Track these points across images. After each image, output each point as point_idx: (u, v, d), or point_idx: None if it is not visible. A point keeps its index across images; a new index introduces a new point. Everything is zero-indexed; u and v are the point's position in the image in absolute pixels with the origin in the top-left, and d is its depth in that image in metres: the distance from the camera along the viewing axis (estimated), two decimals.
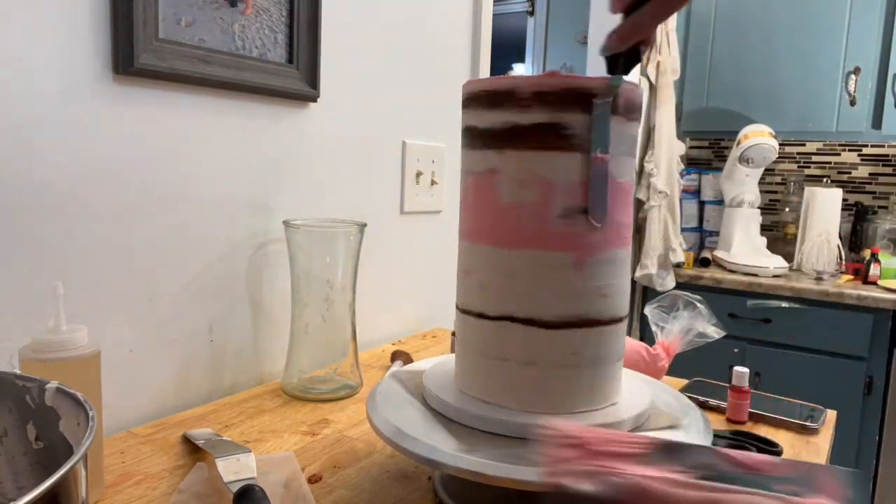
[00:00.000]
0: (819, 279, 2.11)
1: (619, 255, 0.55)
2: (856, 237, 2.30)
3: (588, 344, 0.54)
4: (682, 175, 2.39)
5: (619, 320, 0.57)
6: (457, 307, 0.60)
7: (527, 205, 0.53)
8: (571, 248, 0.53)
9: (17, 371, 0.50)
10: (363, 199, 1.07)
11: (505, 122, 0.53)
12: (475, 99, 0.56)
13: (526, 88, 0.52)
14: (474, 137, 0.56)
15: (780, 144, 2.38)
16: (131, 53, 0.70)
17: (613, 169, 0.53)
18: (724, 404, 0.83)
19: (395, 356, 0.99)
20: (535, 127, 0.52)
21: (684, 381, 0.94)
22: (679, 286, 2.25)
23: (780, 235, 2.44)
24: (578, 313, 0.54)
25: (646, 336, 2.34)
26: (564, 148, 0.52)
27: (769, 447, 0.73)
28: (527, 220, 0.53)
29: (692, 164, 2.63)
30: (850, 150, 2.41)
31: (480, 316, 0.56)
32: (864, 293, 1.92)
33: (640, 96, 0.56)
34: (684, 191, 2.45)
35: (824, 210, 2.17)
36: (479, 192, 0.56)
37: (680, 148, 2.32)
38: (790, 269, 2.22)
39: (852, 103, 2.11)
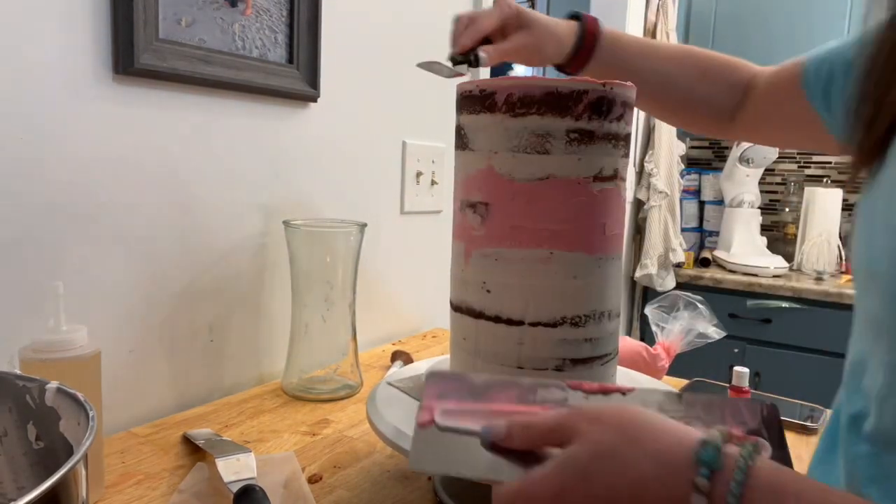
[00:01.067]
0: (819, 279, 2.11)
1: (510, 254, 0.54)
2: None
3: (470, 333, 0.57)
4: (682, 175, 2.39)
5: (506, 321, 0.55)
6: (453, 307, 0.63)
7: (456, 198, 0.60)
8: (462, 238, 0.58)
9: (17, 371, 0.50)
10: (363, 199, 1.07)
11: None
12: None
13: (456, 95, 0.58)
14: None
15: None
16: (131, 53, 0.70)
17: (501, 167, 0.54)
18: None
19: (395, 356, 0.99)
20: (456, 129, 0.59)
21: (685, 381, 0.94)
22: (679, 286, 2.25)
23: (780, 235, 2.44)
24: (466, 301, 0.57)
25: (646, 336, 2.34)
26: (460, 147, 0.58)
27: None
28: (458, 212, 0.59)
29: (692, 164, 2.62)
30: None
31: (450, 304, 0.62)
32: None
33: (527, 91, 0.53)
34: (684, 191, 2.45)
35: (824, 210, 2.17)
36: None
37: (680, 148, 2.32)
38: (790, 269, 2.22)
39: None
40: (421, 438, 0.41)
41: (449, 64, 0.67)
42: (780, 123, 0.70)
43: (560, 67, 0.72)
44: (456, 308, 0.59)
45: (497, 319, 0.55)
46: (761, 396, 0.88)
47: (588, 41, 0.70)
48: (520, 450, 0.39)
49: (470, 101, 0.55)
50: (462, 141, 0.57)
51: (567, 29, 0.70)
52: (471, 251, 0.56)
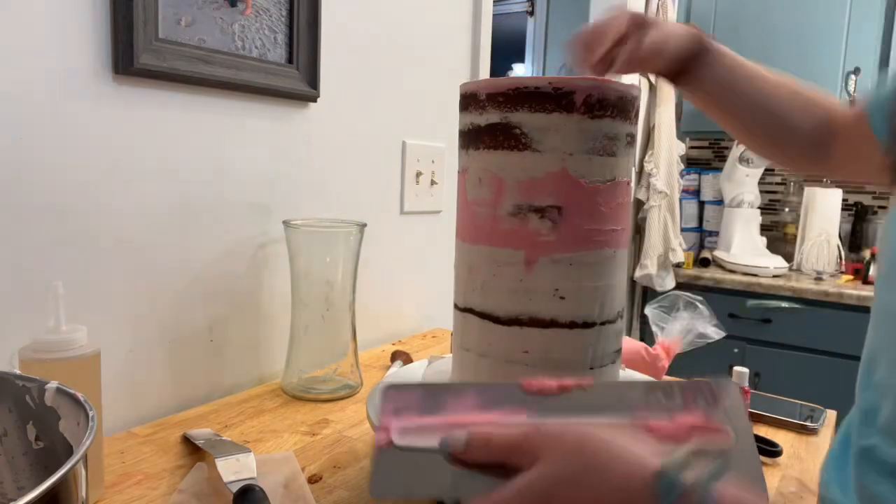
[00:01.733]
0: (819, 279, 2.11)
1: (584, 258, 0.54)
2: (856, 237, 2.30)
3: (537, 344, 0.54)
4: (682, 175, 2.39)
5: (584, 325, 0.55)
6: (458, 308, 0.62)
7: (483, 202, 0.55)
8: (521, 245, 0.54)
9: (17, 371, 0.50)
10: (363, 199, 1.07)
11: (469, 123, 0.56)
12: (460, 102, 0.59)
13: (482, 91, 0.54)
14: (459, 138, 0.60)
15: None
16: (131, 53, 0.70)
17: (576, 169, 0.53)
18: None
19: (395, 356, 0.99)
20: (489, 127, 0.54)
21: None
22: (679, 286, 2.25)
23: (780, 235, 2.44)
24: (530, 312, 0.54)
25: (646, 336, 2.34)
26: (514, 147, 0.53)
27: (769, 447, 0.73)
28: (483, 217, 0.55)
29: (692, 164, 2.62)
30: None
31: (455, 307, 0.60)
32: (864, 293, 1.92)
33: (613, 94, 0.54)
34: (684, 191, 2.45)
35: (824, 210, 2.17)
36: (459, 189, 0.60)
37: (680, 148, 2.32)
38: (790, 269, 2.22)
39: (852, 103, 2.11)
40: (381, 462, 0.39)
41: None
42: (866, 163, 0.66)
43: (670, 74, 0.68)
44: (510, 321, 0.54)
45: (572, 325, 0.54)
46: (761, 396, 0.88)
47: (704, 43, 0.66)
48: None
49: (537, 99, 0.52)
50: (516, 141, 0.53)
51: (681, 29, 0.66)
52: (536, 258, 0.53)
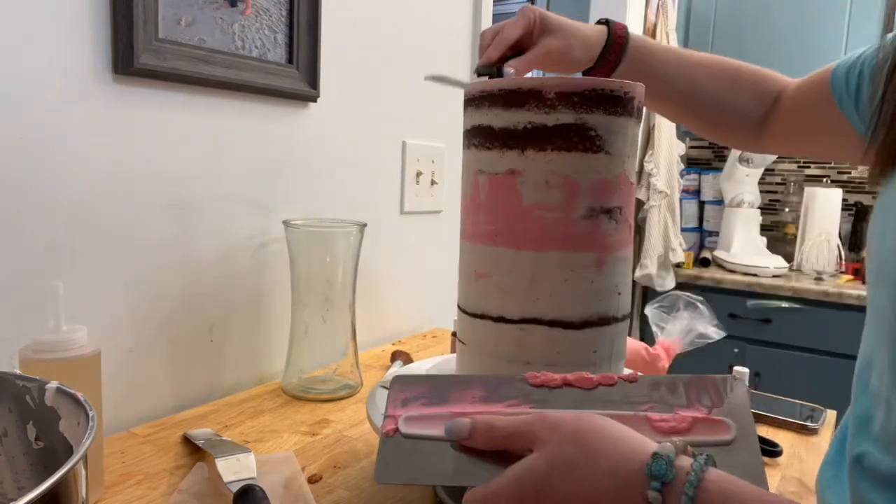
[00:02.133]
0: (819, 279, 2.11)
1: (630, 253, 0.57)
2: (856, 237, 2.30)
3: (606, 341, 0.55)
4: (682, 175, 2.39)
5: (628, 317, 0.58)
6: (464, 311, 0.58)
7: (551, 206, 0.53)
8: (593, 248, 0.54)
9: (17, 371, 0.50)
10: (363, 199, 1.07)
11: (528, 122, 0.52)
12: (490, 98, 0.54)
13: (550, 89, 0.51)
14: (496, 137, 0.54)
15: None
16: (131, 53, 0.70)
17: (629, 170, 0.55)
18: None
19: (395, 356, 0.99)
20: (561, 127, 0.52)
21: None
22: (679, 286, 2.25)
23: (780, 235, 2.44)
24: (599, 312, 0.55)
25: (646, 336, 2.34)
26: (588, 149, 0.52)
27: (769, 447, 0.73)
28: (552, 222, 0.53)
29: (692, 164, 2.62)
30: None
31: (500, 320, 0.55)
32: (864, 293, 1.91)
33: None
34: (684, 191, 2.44)
35: (824, 210, 2.17)
36: (497, 193, 0.55)
37: (680, 148, 2.32)
38: (790, 269, 2.22)
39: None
40: (387, 449, 0.41)
41: (460, 77, 0.66)
42: (810, 132, 0.69)
43: (587, 72, 0.70)
44: (582, 324, 0.54)
45: (624, 318, 0.57)
46: (761, 396, 0.88)
47: (617, 44, 0.68)
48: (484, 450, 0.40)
49: (610, 102, 0.52)
50: (591, 143, 0.52)
51: (594, 32, 0.68)
52: (604, 259, 0.54)
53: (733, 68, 0.72)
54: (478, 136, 0.56)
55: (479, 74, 0.64)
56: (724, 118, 0.73)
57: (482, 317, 0.56)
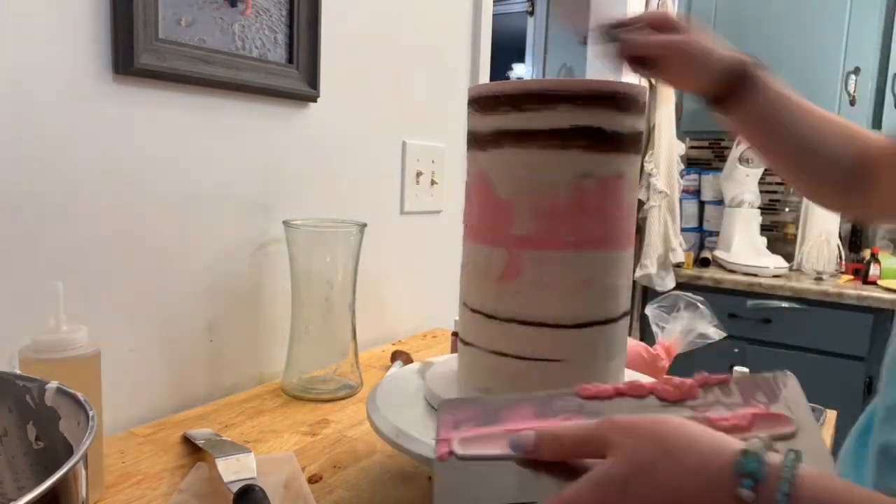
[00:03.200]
0: (819, 279, 2.11)
1: (630, 252, 0.59)
2: (856, 237, 2.30)
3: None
4: (682, 175, 2.39)
5: (627, 314, 0.59)
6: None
7: (631, 204, 0.57)
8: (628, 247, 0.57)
9: (17, 371, 0.50)
10: (363, 199, 1.07)
11: (631, 126, 0.55)
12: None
13: (641, 95, 0.55)
14: (609, 140, 0.53)
15: None
16: (131, 53, 0.70)
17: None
18: None
19: (395, 356, 0.99)
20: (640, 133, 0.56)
21: None
22: (679, 286, 2.25)
23: (780, 235, 2.44)
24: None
25: (646, 336, 2.34)
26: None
27: None
28: (631, 220, 0.57)
29: (692, 164, 2.62)
30: None
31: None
32: (864, 293, 1.92)
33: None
34: (684, 191, 2.45)
35: (824, 210, 2.17)
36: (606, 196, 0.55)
37: (680, 148, 2.32)
38: (790, 269, 2.22)
39: (852, 103, 2.11)
40: (443, 474, 0.39)
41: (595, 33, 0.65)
42: None
43: (712, 95, 0.64)
44: (620, 316, 0.57)
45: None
46: None
47: (750, 68, 0.62)
48: (550, 462, 0.38)
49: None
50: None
51: (723, 48, 0.63)
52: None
53: (836, 120, 0.66)
54: (583, 139, 0.53)
55: (606, 33, 0.64)
56: (827, 172, 0.65)
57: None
